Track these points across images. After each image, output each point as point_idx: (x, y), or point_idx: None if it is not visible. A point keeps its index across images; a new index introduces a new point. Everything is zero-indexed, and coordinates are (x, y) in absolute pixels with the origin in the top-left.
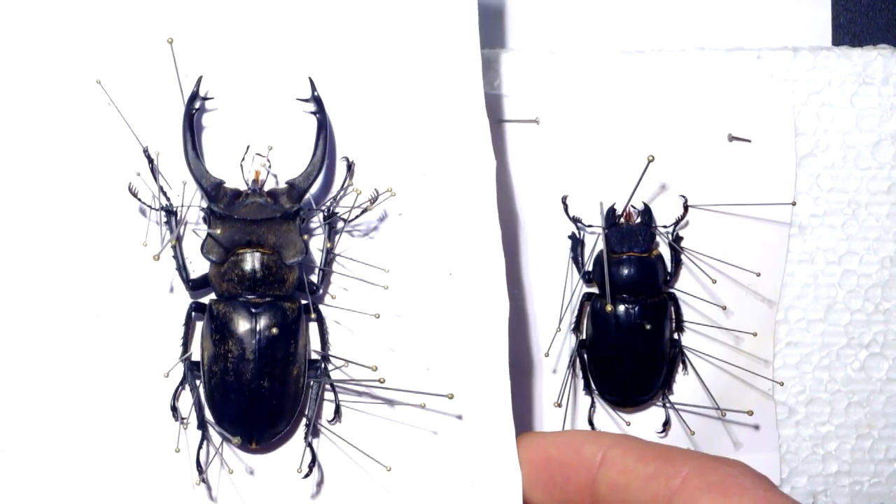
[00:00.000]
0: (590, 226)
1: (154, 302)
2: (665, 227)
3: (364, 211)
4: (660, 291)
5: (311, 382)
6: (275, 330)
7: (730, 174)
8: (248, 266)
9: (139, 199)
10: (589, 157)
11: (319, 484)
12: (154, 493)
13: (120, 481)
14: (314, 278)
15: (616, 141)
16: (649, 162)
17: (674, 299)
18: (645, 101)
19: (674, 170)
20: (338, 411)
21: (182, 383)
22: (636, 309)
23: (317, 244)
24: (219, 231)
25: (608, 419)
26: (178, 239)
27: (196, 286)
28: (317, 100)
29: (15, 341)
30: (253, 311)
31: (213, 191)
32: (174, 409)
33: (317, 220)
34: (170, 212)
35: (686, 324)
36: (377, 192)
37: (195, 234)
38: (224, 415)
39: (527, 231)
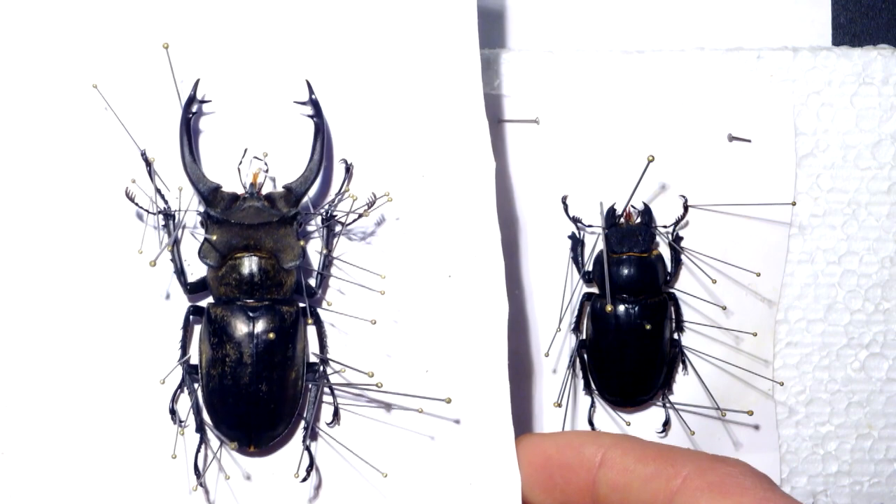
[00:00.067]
0: (590, 226)
1: (152, 306)
2: (665, 227)
3: (361, 216)
4: (660, 291)
5: (310, 386)
6: (272, 334)
7: (730, 174)
8: (245, 270)
9: (136, 204)
10: (589, 157)
11: (317, 488)
12: (151, 498)
13: (118, 486)
14: (312, 282)
15: (616, 141)
16: (649, 162)
17: (674, 299)
18: (645, 101)
19: (674, 170)
20: (336, 414)
21: (180, 386)
22: (636, 309)
23: (315, 247)
24: (216, 235)
25: (608, 419)
26: (176, 243)
27: (194, 290)
28: (314, 103)
29: (13, 346)
30: (250, 314)
31: (210, 195)
32: (172, 412)
33: (315, 224)
34: (167, 215)
35: (686, 324)
36: (374, 195)
37: (193, 237)
38: (222, 418)
39: (527, 231)
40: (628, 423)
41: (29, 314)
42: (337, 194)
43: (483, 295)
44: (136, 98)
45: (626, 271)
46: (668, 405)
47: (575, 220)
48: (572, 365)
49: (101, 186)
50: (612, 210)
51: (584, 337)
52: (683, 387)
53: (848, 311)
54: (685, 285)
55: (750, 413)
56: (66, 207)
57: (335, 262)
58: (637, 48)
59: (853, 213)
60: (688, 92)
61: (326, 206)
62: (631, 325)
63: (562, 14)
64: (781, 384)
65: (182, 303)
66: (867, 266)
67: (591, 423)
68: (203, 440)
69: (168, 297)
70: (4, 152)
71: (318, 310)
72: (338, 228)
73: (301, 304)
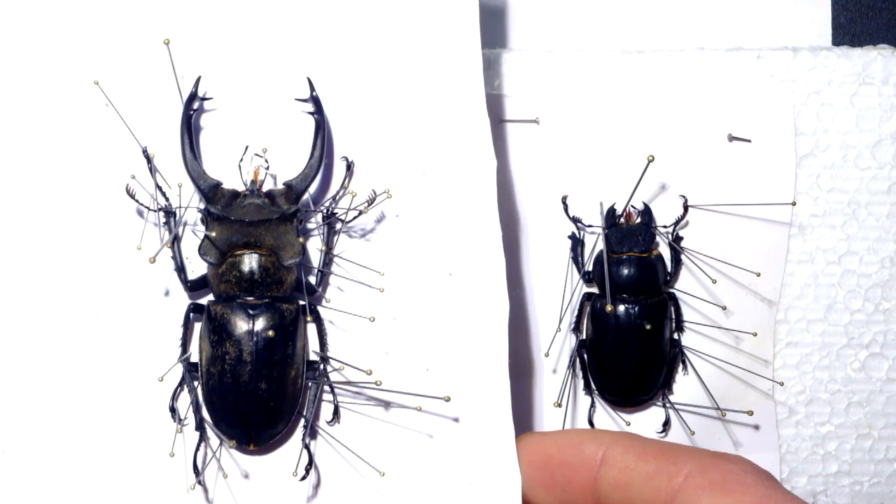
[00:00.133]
0: (590, 226)
1: (151, 304)
2: (665, 227)
3: (361, 213)
4: (660, 291)
5: (309, 384)
6: (272, 332)
7: (730, 174)
8: (245, 267)
9: (137, 201)
10: (589, 157)
11: (316, 487)
12: (150, 496)
13: (117, 483)
14: (312, 279)
15: (616, 141)
16: (649, 162)
17: (674, 299)
18: (645, 101)
19: (674, 170)
20: (336, 412)
21: (180, 384)
22: (636, 309)
23: (315, 245)
24: (216, 232)
25: (608, 419)
26: (176, 240)
27: (194, 287)
28: (315, 100)
29: (13, 343)
30: (250, 312)
31: (211, 192)
32: (172, 409)
33: (315, 221)
34: (168, 212)
35: (686, 324)
36: (374, 192)
37: (194, 234)
38: (222, 416)
39: (526, 231)
40: (628, 423)
41: (28, 311)
42: (337, 192)
43: (484, 293)
44: (137, 94)
45: (626, 271)
46: (668, 405)
47: (575, 220)
48: (572, 365)
49: (101, 183)
50: (612, 210)
51: (584, 337)
52: (683, 387)
53: (848, 311)
54: (685, 285)
55: (750, 413)
56: (67, 203)
57: (335, 259)
58: (637, 48)
59: (853, 213)
60: (688, 92)
61: (327, 204)
62: (631, 325)
63: (562, 14)
64: (781, 384)
65: (182, 300)
66: (867, 266)
67: (591, 423)
68: (202, 438)
69: (168, 294)
70: (5, 148)
71: (318, 307)
72: (338, 226)
73: (301, 302)
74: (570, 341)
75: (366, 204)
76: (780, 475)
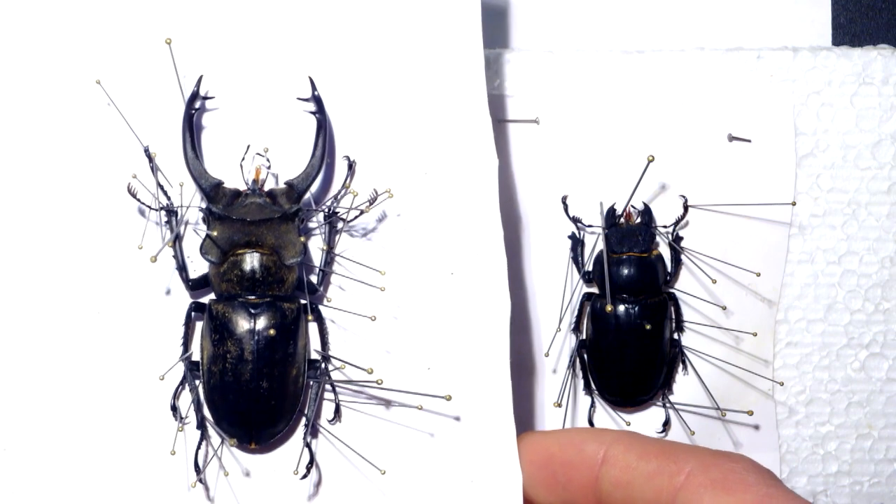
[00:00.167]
0: (590, 226)
1: (153, 303)
2: (665, 227)
3: (362, 212)
4: (660, 291)
5: (311, 382)
6: (273, 331)
7: (730, 174)
8: (246, 266)
9: (138, 200)
10: (589, 157)
11: (317, 485)
12: (152, 494)
13: (118, 481)
14: (313, 279)
15: (616, 141)
16: (649, 162)
17: (674, 299)
18: (645, 101)
19: (674, 170)
20: (338, 411)
21: (182, 383)
22: (636, 309)
23: (316, 244)
24: (217, 232)
25: (608, 419)
26: (178, 239)
27: (196, 286)
28: (317, 99)
29: (15, 341)
30: (252, 311)
31: (212, 191)
32: (174, 408)
33: (316, 221)
34: (170, 211)
35: (686, 324)
36: (376, 192)
37: (196, 233)
38: (223, 415)
39: (526, 231)
40: (628, 423)
41: (30, 310)
42: (339, 191)
43: (485, 292)
44: (138, 94)
45: (626, 271)
46: (668, 405)
47: (575, 220)
48: (572, 365)
49: (103, 182)
50: (612, 210)
51: (584, 337)
52: (683, 387)
53: (848, 311)
54: (685, 285)
55: (750, 413)
56: (68, 203)
57: (336, 258)
58: (637, 48)
59: (853, 213)
60: (688, 92)
61: (328, 203)
62: (631, 325)
63: (562, 14)
64: (781, 384)
65: (183, 299)
66: (867, 266)
67: (591, 423)
68: (204, 437)
69: (169, 292)
70: (7, 147)
71: (320, 306)
72: (339, 225)
73: (302, 301)
74: (570, 341)
75: (367, 203)
76: (780, 475)
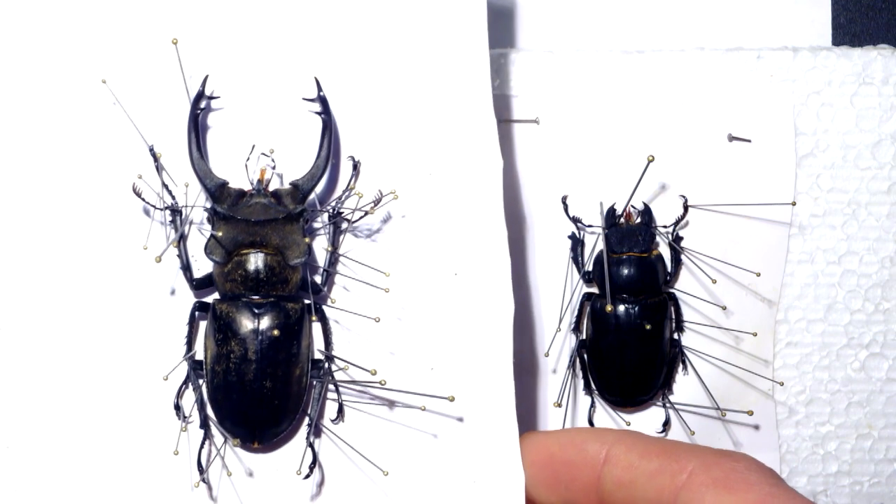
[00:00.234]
0: (590, 226)
1: (157, 302)
2: (665, 227)
3: (367, 213)
4: (660, 291)
5: (314, 382)
6: (277, 331)
7: (730, 174)
8: (251, 266)
9: (143, 200)
10: (589, 157)
11: (320, 485)
12: (155, 493)
13: (121, 480)
14: (318, 279)
15: (616, 141)
16: (649, 162)
17: (674, 299)
18: (645, 101)
19: (674, 170)
20: (341, 411)
21: (186, 382)
22: (636, 309)
23: (321, 244)
24: (222, 232)
25: (608, 419)
26: (182, 238)
27: (200, 286)
28: (322, 100)
29: (19, 340)
30: (256, 311)
31: (217, 191)
32: (177, 407)
33: (321, 221)
34: (174, 211)
35: (686, 324)
36: (381, 193)
37: (200, 233)
38: (226, 414)
39: (527, 231)
40: (628, 423)
41: (34, 308)
42: (344, 191)
43: (489, 293)
44: (144, 93)
45: (626, 271)
46: (668, 405)
47: (575, 220)
48: (572, 365)
49: (108, 181)
50: (612, 210)
51: (584, 337)
52: (683, 387)
53: (848, 311)
54: (685, 285)
55: (750, 413)
56: (73, 202)
57: (341, 259)
58: (637, 48)
59: (853, 213)
60: (688, 92)
61: (333, 203)
62: (631, 325)
63: (562, 14)
64: (781, 384)
65: (188, 298)
66: (867, 266)
67: (591, 423)
68: (207, 436)
69: (173, 292)
70: (13, 146)
71: (323, 307)
72: (344, 226)
73: (306, 301)
74: (570, 341)
75: (372, 204)
76: (780, 475)
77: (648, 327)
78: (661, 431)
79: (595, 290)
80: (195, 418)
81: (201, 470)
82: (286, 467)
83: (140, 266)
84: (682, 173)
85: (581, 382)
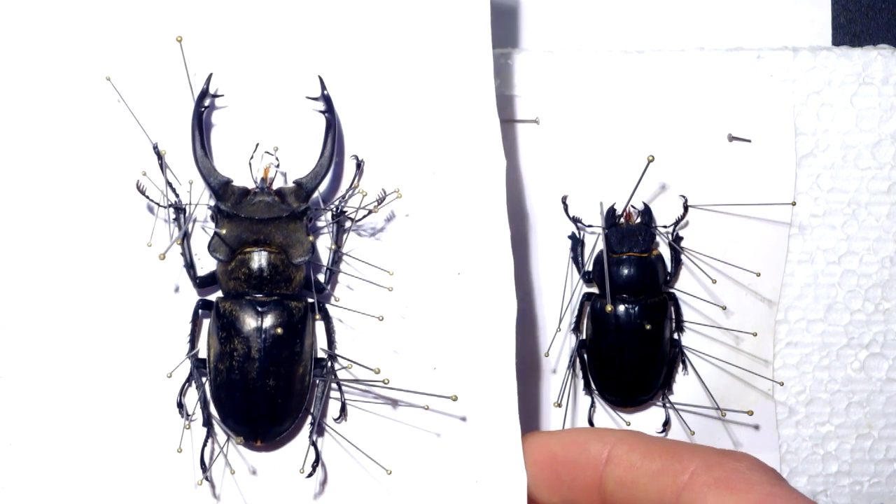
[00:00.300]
0: (590, 226)
1: (161, 300)
2: (665, 227)
3: (370, 212)
4: (660, 291)
5: (317, 381)
6: (280, 329)
7: (730, 174)
8: (254, 265)
9: (147, 197)
10: (589, 157)
11: (323, 483)
12: (158, 491)
13: (124, 478)
14: (321, 278)
15: (616, 141)
16: (649, 162)
17: (674, 299)
18: (645, 101)
19: (674, 170)
20: (343, 410)
21: (189, 380)
22: (636, 309)
23: (324, 243)
24: (226, 230)
25: (608, 419)
26: (186, 236)
27: (203, 284)
28: (326, 98)
29: (22, 337)
30: (259, 309)
31: (221, 189)
32: (180, 405)
33: (324, 220)
34: (178, 209)
35: (686, 324)
36: (384, 191)
37: (204, 231)
38: (229, 413)
39: (527, 231)
40: (628, 423)
41: (38, 306)
42: (347, 190)
43: (492, 293)
44: (148, 91)
45: (626, 271)
46: (668, 405)
47: (575, 220)
48: (572, 365)
49: (112, 179)
50: (612, 210)
51: (584, 337)
52: (683, 387)
53: (848, 311)
54: (685, 285)
55: (750, 413)
56: (77, 199)
57: (344, 257)
58: (637, 48)
59: (853, 213)
60: (688, 92)
61: (336, 202)
62: (631, 325)
63: (562, 14)
64: (781, 384)
65: (191, 296)
66: (867, 266)
67: (591, 423)
68: (210, 434)
69: (177, 290)
70: (17, 143)
71: (327, 305)
72: (347, 224)
73: (310, 300)
74: (570, 341)
75: (375, 203)
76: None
77: (648, 327)
78: (661, 431)
79: (595, 290)
80: (198, 416)
81: (204, 468)
82: (289, 466)
83: (144, 263)
84: (682, 173)
85: (581, 382)
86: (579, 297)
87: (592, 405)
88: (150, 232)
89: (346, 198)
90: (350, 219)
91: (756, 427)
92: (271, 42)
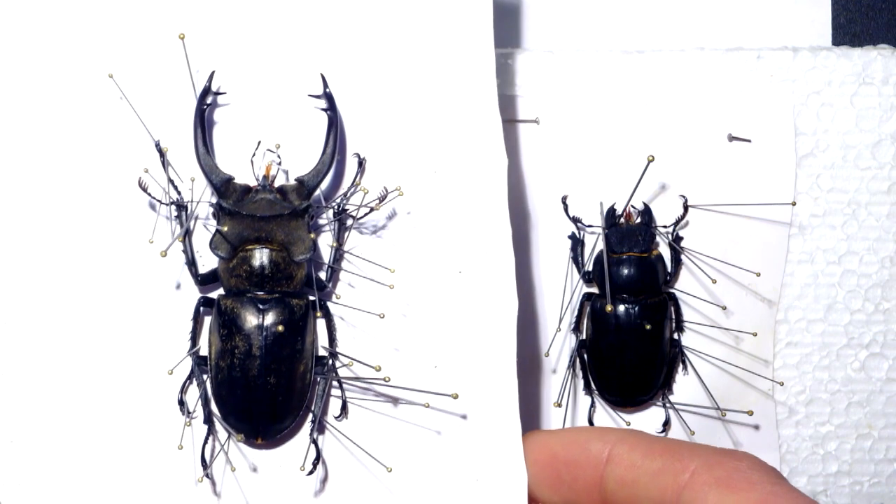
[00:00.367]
0: (590, 226)
1: (162, 297)
2: (665, 227)
3: (372, 210)
4: (660, 291)
5: (318, 379)
6: (281, 327)
7: (730, 174)
8: (256, 262)
9: (149, 194)
10: (589, 157)
11: (323, 481)
12: (159, 489)
13: (125, 475)
14: (322, 275)
15: (616, 141)
16: (649, 162)
17: (674, 299)
18: (645, 101)
19: (674, 170)
20: (344, 407)
21: (190, 377)
22: (636, 309)
23: (326, 241)
24: (227, 227)
25: (608, 419)
26: (188, 233)
27: (205, 281)
28: (328, 96)
29: (23, 334)
30: (260, 307)
31: (223, 186)
32: (181, 402)
33: (326, 217)
34: (180, 206)
35: (686, 324)
36: (386, 189)
37: (206, 228)
38: (230, 410)
39: (527, 231)
40: (628, 423)
41: (39, 302)
42: (349, 188)
43: (493, 291)
44: (151, 88)
45: (626, 271)
46: (668, 405)
47: (575, 220)
48: (572, 365)
49: (114, 176)
50: (612, 210)
51: (584, 337)
52: (683, 387)
53: (848, 311)
54: (685, 285)
55: (750, 413)
56: (79, 196)
57: (345, 255)
58: (637, 48)
59: (853, 213)
60: (688, 92)
61: (338, 200)
62: (631, 325)
63: (562, 14)
64: (781, 384)
65: (193, 293)
66: (867, 266)
67: (591, 423)
68: (211, 432)
69: (179, 287)
70: (19, 141)
71: (328, 303)
72: (349, 222)
73: (311, 298)
74: (570, 341)
75: (377, 201)
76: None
77: (648, 327)
78: (661, 431)
79: (595, 290)
80: (199, 413)
81: (205, 465)
82: (290, 463)
83: (145, 261)
84: (682, 173)
85: (581, 382)
86: (579, 297)
87: (592, 405)
88: (152, 229)
89: (348, 195)
90: (351, 217)
91: (756, 427)
92: (274, 40)
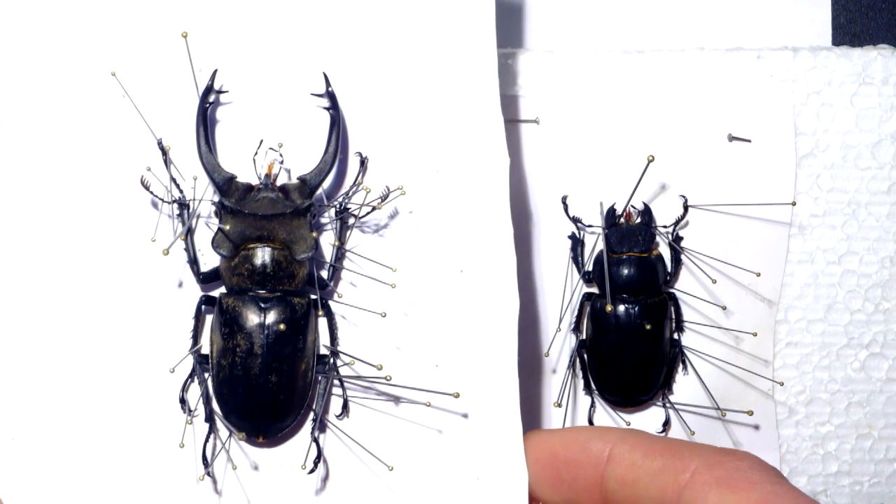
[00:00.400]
0: (590, 226)
1: (164, 295)
2: (665, 227)
3: (374, 209)
4: (660, 291)
5: (319, 378)
6: (283, 325)
7: (730, 174)
8: (257, 261)
9: (151, 192)
10: (589, 157)
11: (325, 480)
12: (160, 487)
13: (126, 473)
14: (324, 274)
15: (616, 141)
16: (649, 162)
17: (674, 299)
18: (645, 101)
19: (674, 170)
20: (346, 406)
21: (191, 376)
22: (636, 309)
23: (328, 240)
24: (229, 225)
25: (608, 419)
26: (190, 232)
27: (207, 279)
28: (331, 95)
29: (25, 332)
30: (262, 305)
31: (225, 185)
32: (183, 401)
33: (328, 216)
34: (182, 205)
35: (686, 324)
36: (388, 189)
37: (208, 226)
38: (232, 408)
39: (528, 230)
40: (628, 423)
41: (41, 301)
42: (351, 187)
43: (494, 291)
44: (153, 86)
45: (626, 271)
46: (668, 405)
47: (575, 220)
48: (572, 365)
49: (116, 174)
50: (612, 210)
51: (584, 337)
52: (683, 387)
53: (848, 311)
54: (685, 285)
55: (750, 413)
56: (82, 194)
57: (347, 254)
58: (637, 48)
59: (853, 213)
60: (688, 92)
61: (340, 199)
62: (631, 325)
63: (562, 14)
64: (781, 384)
65: (194, 292)
66: (867, 266)
67: (591, 423)
68: (212, 430)
69: (181, 285)
70: (22, 139)
71: (330, 302)
72: (351, 221)
73: (312, 296)
74: (570, 341)
75: (379, 200)
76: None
77: (648, 327)
78: (661, 431)
79: (595, 290)
80: (200, 412)
81: (206, 464)
82: (291, 462)
83: (147, 259)
84: (682, 173)
85: (581, 382)
86: (579, 297)
87: (592, 405)
88: (154, 227)
89: (350, 194)
90: (353, 215)
91: (756, 427)
92: (276, 39)
